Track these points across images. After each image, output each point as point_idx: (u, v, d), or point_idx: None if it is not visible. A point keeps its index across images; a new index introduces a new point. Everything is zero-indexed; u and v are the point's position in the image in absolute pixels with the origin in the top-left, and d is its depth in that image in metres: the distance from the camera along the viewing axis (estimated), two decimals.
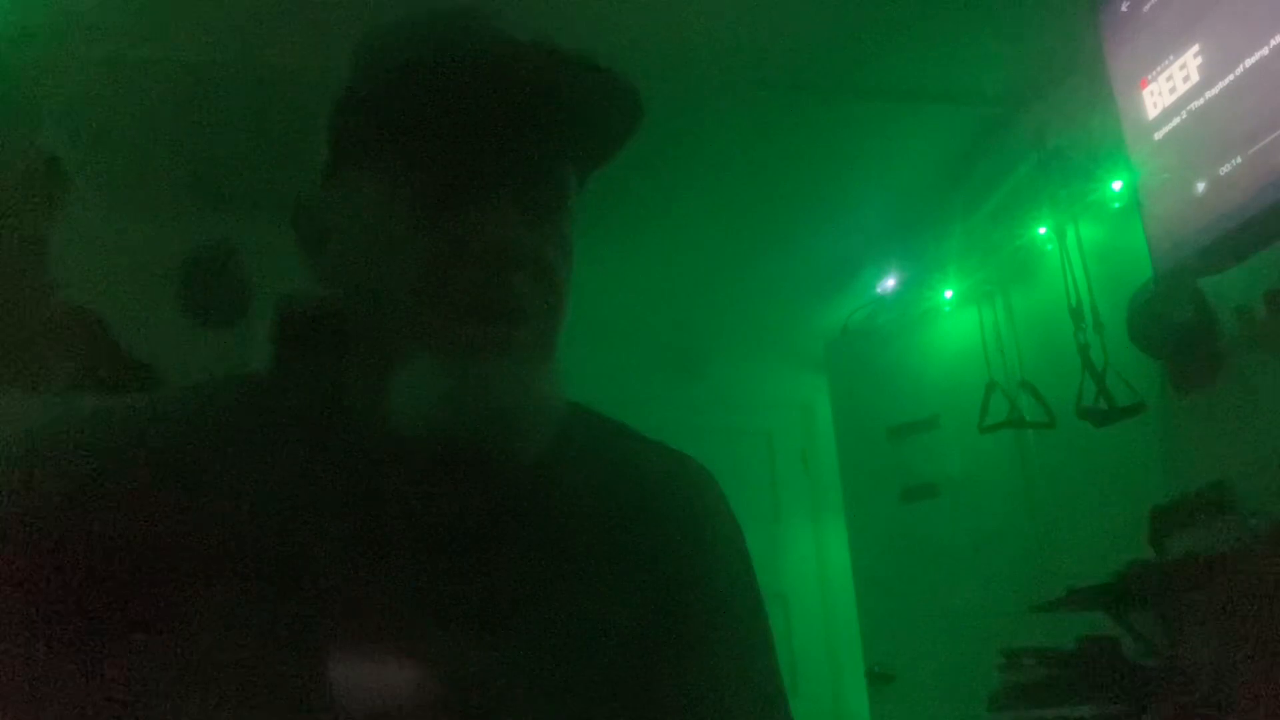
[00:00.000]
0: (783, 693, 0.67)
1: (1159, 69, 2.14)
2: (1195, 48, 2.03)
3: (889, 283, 3.52)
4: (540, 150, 0.59)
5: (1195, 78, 2.03)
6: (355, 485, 0.59)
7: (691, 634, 0.63)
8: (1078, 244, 2.61)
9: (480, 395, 0.55)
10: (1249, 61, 1.88)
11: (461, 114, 0.56)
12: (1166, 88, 2.12)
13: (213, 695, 0.52)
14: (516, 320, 0.56)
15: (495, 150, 0.57)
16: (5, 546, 0.54)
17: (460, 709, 0.56)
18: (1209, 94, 1.98)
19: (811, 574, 3.96)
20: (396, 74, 0.58)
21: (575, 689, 0.58)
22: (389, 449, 0.59)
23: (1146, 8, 2.18)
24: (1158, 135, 2.15)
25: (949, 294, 3.23)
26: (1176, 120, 2.08)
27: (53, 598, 0.53)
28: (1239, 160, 1.89)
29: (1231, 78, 1.92)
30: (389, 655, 0.55)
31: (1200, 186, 2.00)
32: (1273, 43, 1.82)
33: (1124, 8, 2.26)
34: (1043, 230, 2.77)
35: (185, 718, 0.52)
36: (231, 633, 0.53)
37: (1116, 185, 2.49)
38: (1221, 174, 1.94)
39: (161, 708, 0.52)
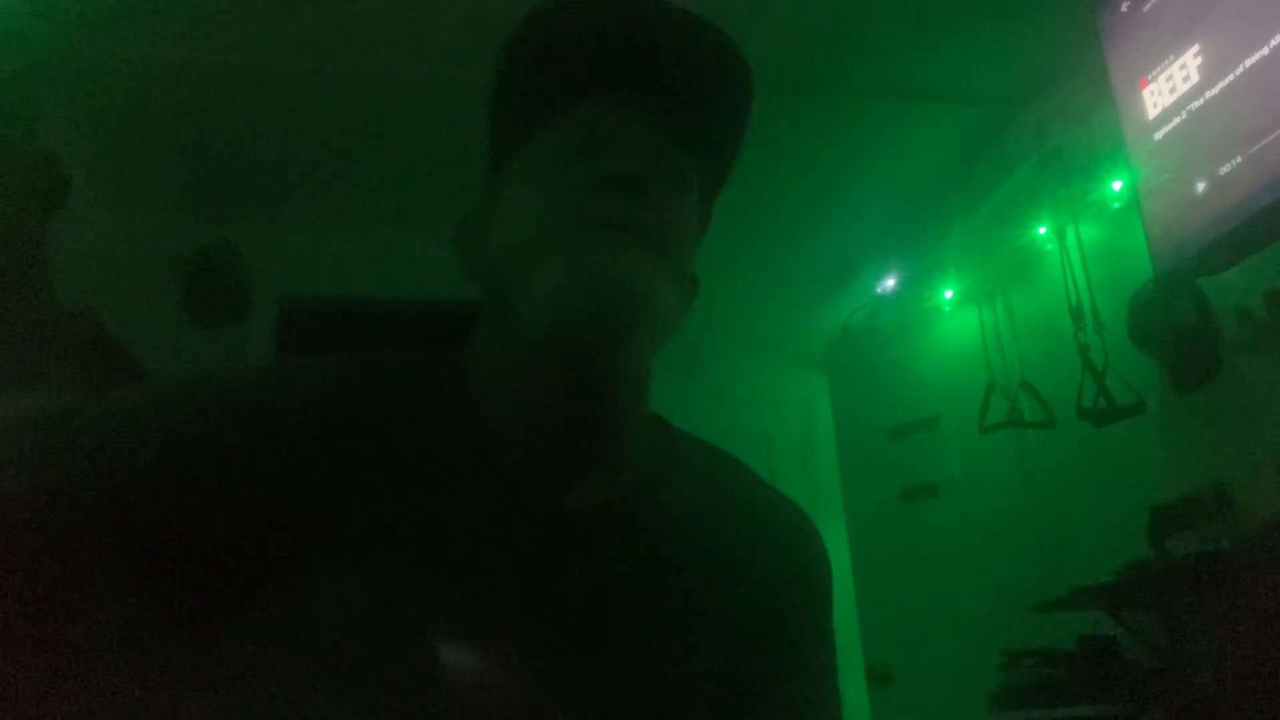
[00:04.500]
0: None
1: (1159, 69, 2.14)
2: (1195, 48, 2.03)
3: (889, 283, 3.51)
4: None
5: (1195, 78, 2.03)
6: (474, 475, 0.62)
7: (770, 666, 0.68)
8: (1078, 244, 2.61)
9: (598, 280, 0.59)
10: (1249, 61, 1.87)
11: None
12: (1166, 88, 2.12)
13: (323, 672, 0.55)
14: (632, 230, 0.61)
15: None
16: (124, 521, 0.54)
17: (545, 706, 0.58)
18: (1209, 94, 1.98)
19: None
20: (540, 57, 0.66)
21: (660, 698, 0.62)
22: (510, 436, 0.63)
23: (1146, 8, 2.18)
24: (1158, 135, 2.14)
25: (949, 294, 3.23)
26: (1176, 120, 2.08)
27: (176, 575, 0.55)
28: (1239, 160, 1.89)
29: (1231, 78, 1.92)
30: (486, 645, 0.58)
31: (1200, 186, 2.00)
32: (1273, 43, 1.82)
33: (1124, 8, 2.26)
34: (1043, 230, 2.77)
35: (294, 695, 0.55)
36: (342, 615, 0.56)
37: (1116, 185, 2.48)
38: (1221, 174, 1.94)
39: (275, 685, 0.55)
